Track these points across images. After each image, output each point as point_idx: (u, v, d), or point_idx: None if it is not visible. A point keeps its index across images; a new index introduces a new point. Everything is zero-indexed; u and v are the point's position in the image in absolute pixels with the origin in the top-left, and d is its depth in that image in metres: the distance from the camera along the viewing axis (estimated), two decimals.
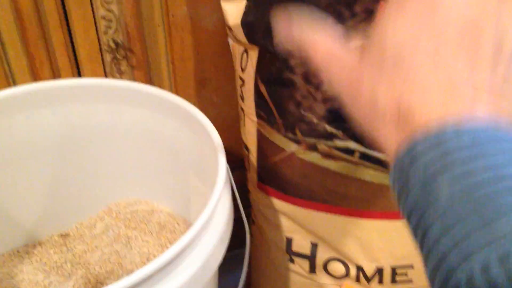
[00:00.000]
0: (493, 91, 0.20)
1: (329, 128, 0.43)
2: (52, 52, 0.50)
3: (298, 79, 0.43)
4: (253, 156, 0.52)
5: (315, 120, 0.44)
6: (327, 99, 0.42)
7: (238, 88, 0.52)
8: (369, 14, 0.38)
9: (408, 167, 0.20)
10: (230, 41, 0.53)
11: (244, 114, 0.52)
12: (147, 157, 0.56)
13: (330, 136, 0.44)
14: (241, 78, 0.51)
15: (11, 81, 0.50)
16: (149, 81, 0.56)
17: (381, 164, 0.44)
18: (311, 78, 0.42)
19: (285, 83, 0.44)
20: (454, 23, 0.21)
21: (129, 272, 0.53)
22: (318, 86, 0.42)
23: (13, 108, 0.49)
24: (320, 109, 0.43)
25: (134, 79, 0.55)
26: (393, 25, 0.22)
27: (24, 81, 0.50)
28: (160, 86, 0.58)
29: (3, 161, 0.51)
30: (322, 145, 0.45)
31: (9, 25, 0.47)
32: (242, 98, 0.51)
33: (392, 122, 0.21)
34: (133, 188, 0.59)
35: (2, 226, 0.54)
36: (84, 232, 0.58)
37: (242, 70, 0.50)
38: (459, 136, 0.19)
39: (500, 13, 0.21)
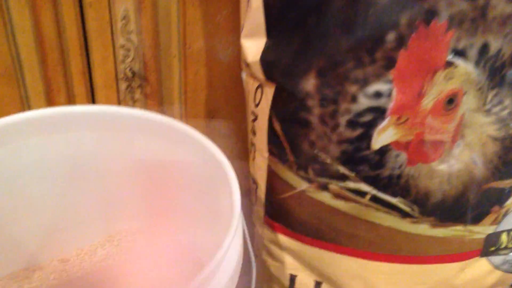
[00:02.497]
0: None
1: (342, 169, 0.44)
2: (69, 78, 0.50)
3: (314, 119, 0.43)
4: (261, 191, 0.53)
5: (328, 161, 0.44)
6: (342, 141, 0.43)
7: (250, 122, 0.53)
8: (389, 61, 0.39)
9: None
10: (244, 76, 0.54)
11: (255, 149, 0.52)
12: (154, 186, 0.55)
13: (342, 177, 0.44)
14: (253, 113, 0.51)
15: (26, 105, 0.50)
16: (161, 110, 0.57)
17: (391, 207, 0.44)
18: (327, 119, 0.43)
19: (300, 122, 0.45)
20: None
21: None
22: (334, 128, 0.43)
23: (26, 132, 0.49)
24: (334, 150, 0.44)
25: (146, 107, 0.55)
26: None
27: (39, 106, 0.50)
28: (171, 115, 0.58)
29: (10, 184, 0.50)
30: (334, 185, 0.45)
31: (30, 49, 0.47)
32: (254, 133, 0.52)
33: None
34: (136, 217, 0.58)
35: (3, 249, 0.53)
36: (85, 258, 0.58)
37: (256, 105, 0.51)
38: None
39: None
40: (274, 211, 0.52)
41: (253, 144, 0.53)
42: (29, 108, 0.50)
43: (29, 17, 0.46)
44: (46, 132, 0.50)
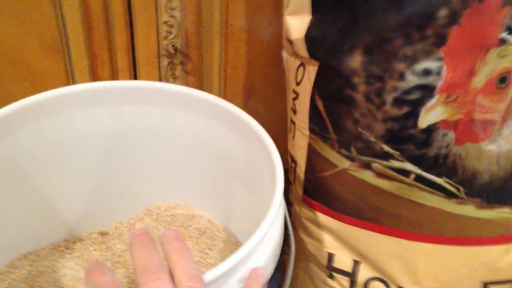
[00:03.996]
0: None
1: (386, 148, 0.44)
2: (113, 53, 0.51)
3: (359, 97, 0.43)
4: (300, 169, 0.53)
5: (372, 139, 0.44)
6: (387, 119, 0.43)
7: (290, 101, 0.53)
8: (440, 38, 0.38)
9: None
10: (285, 54, 0.53)
11: (295, 127, 0.52)
12: (193, 162, 0.56)
13: (386, 156, 0.44)
14: (294, 91, 0.51)
15: (71, 78, 0.50)
16: (200, 87, 0.57)
17: (436, 187, 0.44)
18: (373, 97, 0.42)
19: (344, 100, 0.44)
20: None
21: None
22: (379, 106, 0.42)
23: (72, 105, 0.49)
24: (379, 128, 0.43)
25: (187, 84, 0.55)
26: None
27: (83, 80, 0.51)
28: (210, 92, 0.58)
29: (54, 155, 0.51)
30: (377, 164, 0.45)
31: (76, 23, 0.48)
32: (294, 111, 0.52)
33: None
34: (175, 192, 0.59)
35: (45, 220, 0.55)
36: (123, 231, 0.59)
37: (297, 83, 0.50)
38: None
39: None
40: (313, 190, 0.52)
41: (293, 122, 0.53)
42: (73, 82, 0.51)
43: None
44: (89, 105, 0.51)
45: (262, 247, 0.38)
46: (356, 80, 0.43)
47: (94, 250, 0.56)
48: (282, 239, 0.43)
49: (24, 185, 0.50)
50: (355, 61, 0.42)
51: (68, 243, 0.57)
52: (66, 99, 0.48)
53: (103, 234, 0.58)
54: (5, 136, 0.46)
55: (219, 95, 0.60)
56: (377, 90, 0.42)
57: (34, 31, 0.48)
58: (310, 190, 0.52)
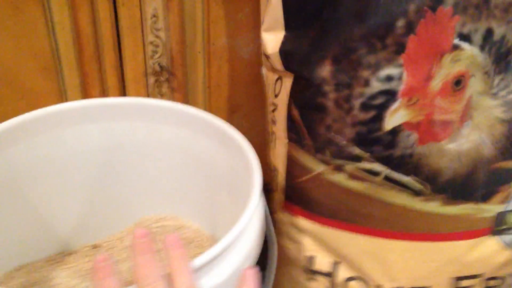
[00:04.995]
0: None
1: (357, 150, 0.47)
2: (103, 72, 0.54)
3: (330, 104, 0.47)
4: (281, 176, 0.56)
5: (344, 143, 0.47)
6: (356, 123, 0.46)
7: (269, 113, 0.56)
8: (399, 47, 0.42)
9: None
10: (264, 70, 0.57)
11: (275, 137, 0.56)
12: (181, 174, 0.59)
13: (357, 158, 0.47)
14: (273, 104, 0.55)
15: (63, 97, 0.54)
16: (186, 103, 0.60)
17: (404, 185, 0.47)
18: (342, 103, 0.46)
19: (317, 107, 0.48)
20: None
21: None
22: (348, 111, 0.46)
23: (63, 122, 0.52)
24: (350, 132, 0.47)
25: (173, 100, 0.59)
26: None
27: (75, 98, 0.54)
28: None
29: (47, 171, 0.54)
30: (349, 166, 0.48)
31: (68, 44, 0.51)
32: (274, 122, 0.55)
33: None
34: (164, 204, 0.62)
35: (39, 234, 0.57)
36: (115, 244, 0.61)
37: (276, 96, 0.54)
38: None
39: None
40: (293, 195, 0.55)
41: (273, 133, 0.56)
42: (66, 100, 0.54)
43: (68, 15, 0.50)
44: (80, 122, 0.53)
45: (240, 244, 0.41)
46: (326, 88, 0.46)
47: (88, 261, 0.58)
48: (262, 241, 0.46)
49: (19, 200, 0.52)
50: (325, 70, 0.46)
51: (62, 256, 0.59)
52: (58, 116, 0.51)
53: (95, 247, 0.61)
54: (1, 152, 0.49)
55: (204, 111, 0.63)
56: (346, 97, 0.45)
57: (29, 52, 0.51)
58: (290, 196, 0.55)
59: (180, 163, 0.58)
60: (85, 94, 0.55)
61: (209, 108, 0.62)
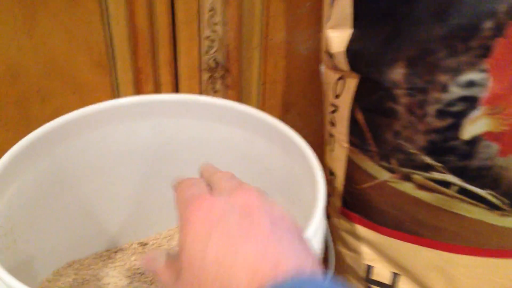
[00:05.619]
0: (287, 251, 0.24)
1: (428, 159, 0.44)
2: (157, 67, 0.52)
3: (400, 109, 0.43)
4: (339, 182, 0.53)
5: (413, 151, 0.44)
6: (429, 131, 0.43)
7: (328, 114, 0.53)
8: (485, 50, 0.38)
9: None
10: (323, 69, 0.54)
11: (334, 140, 0.53)
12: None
13: (427, 168, 0.44)
14: (333, 105, 0.52)
15: (116, 92, 0.52)
16: (240, 101, 0.58)
17: (479, 199, 0.43)
18: (414, 109, 0.43)
19: (385, 112, 0.45)
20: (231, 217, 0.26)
21: None
22: (421, 118, 0.43)
23: (115, 119, 0.51)
24: (421, 140, 0.43)
25: (226, 98, 0.56)
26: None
27: (128, 93, 0.53)
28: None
29: (99, 167, 0.53)
30: (418, 176, 0.45)
31: (122, 40, 0.50)
32: (333, 124, 0.52)
33: None
34: None
35: (88, 230, 0.56)
36: (163, 242, 0.60)
37: (336, 96, 0.51)
38: None
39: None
40: (352, 202, 0.52)
41: (331, 135, 0.53)
42: (118, 95, 0.53)
43: (124, 9, 0.48)
44: (132, 119, 0.52)
45: None
46: (397, 92, 0.43)
47: (135, 259, 0.57)
48: (323, 251, 0.43)
49: (68, 196, 0.52)
50: (397, 73, 0.42)
51: (110, 253, 0.58)
52: (110, 113, 0.50)
53: (143, 244, 0.60)
54: (53, 148, 0.48)
55: (258, 109, 0.61)
56: (419, 102, 0.42)
57: (83, 47, 0.50)
58: (349, 202, 0.52)
59: (231, 162, 0.56)
60: (138, 90, 0.53)
61: (263, 106, 0.60)
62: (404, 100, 0.43)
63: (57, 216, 0.51)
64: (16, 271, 0.44)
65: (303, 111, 0.63)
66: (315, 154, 0.44)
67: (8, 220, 0.44)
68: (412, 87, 0.42)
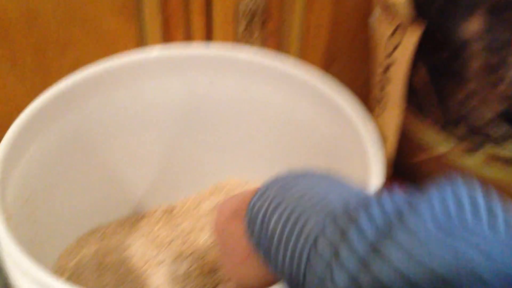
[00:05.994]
0: None
1: (502, 129, 0.37)
2: (189, 13, 0.46)
3: (474, 69, 0.37)
4: (390, 148, 0.47)
5: (486, 119, 0.38)
6: (505, 98, 0.36)
7: (378, 74, 0.47)
8: None
9: None
10: (374, 19, 0.47)
11: (385, 101, 0.46)
12: (270, 137, 0.51)
13: (501, 139, 0.38)
14: (386, 61, 0.45)
15: (143, 40, 0.47)
16: (279, 51, 0.52)
17: None
18: (491, 69, 0.36)
19: (453, 73, 0.38)
20: None
21: None
22: (499, 80, 0.36)
23: (144, 73, 0.46)
24: (496, 106, 0.37)
25: (265, 47, 0.50)
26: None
27: (155, 42, 0.47)
28: (289, 57, 0.53)
29: (123, 128, 0.48)
30: (488, 148, 0.39)
31: None
32: (384, 85, 0.46)
33: None
34: (247, 168, 0.55)
35: (112, 195, 0.52)
36: (190, 208, 0.55)
37: (390, 53, 0.44)
38: None
39: None
40: (403, 173, 0.46)
41: (381, 99, 0.47)
42: (145, 44, 0.47)
43: None
44: (162, 73, 0.47)
45: None
46: (472, 48, 0.36)
47: (162, 227, 0.53)
48: None
49: (92, 158, 0.48)
50: (473, 27, 0.36)
51: (134, 220, 0.54)
52: (137, 67, 0.45)
53: (169, 210, 0.55)
54: (74, 107, 0.43)
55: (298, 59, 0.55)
56: (498, 62, 0.35)
57: None
58: (399, 172, 0.47)
59: (270, 124, 0.51)
60: (167, 39, 0.48)
61: (304, 56, 0.54)
62: (479, 59, 0.36)
63: (79, 181, 0.47)
64: (36, 242, 0.41)
65: (348, 65, 0.57)
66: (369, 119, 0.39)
67: (27, 187, 0.40)
68: (489, 44, 0.35)
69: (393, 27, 0.44)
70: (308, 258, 0.22)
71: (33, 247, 0.39)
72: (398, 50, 0.43)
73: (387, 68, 0.45)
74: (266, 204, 0.26)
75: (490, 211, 0.19)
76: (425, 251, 0.18)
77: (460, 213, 0.19)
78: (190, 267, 0.47)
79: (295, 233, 0.23)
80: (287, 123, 0.49)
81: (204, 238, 0.51)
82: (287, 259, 0.23)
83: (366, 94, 0.52)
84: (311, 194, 0.24)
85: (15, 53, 0.47)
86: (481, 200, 0.20)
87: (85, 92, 0.43)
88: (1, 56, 0.47)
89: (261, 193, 0.27)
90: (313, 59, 0.55)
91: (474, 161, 0.40)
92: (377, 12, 0.46)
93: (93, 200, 0.49)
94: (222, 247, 0.33)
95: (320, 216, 0.23)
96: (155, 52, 0.45)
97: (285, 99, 0.47)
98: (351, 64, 0.56)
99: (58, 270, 0.46)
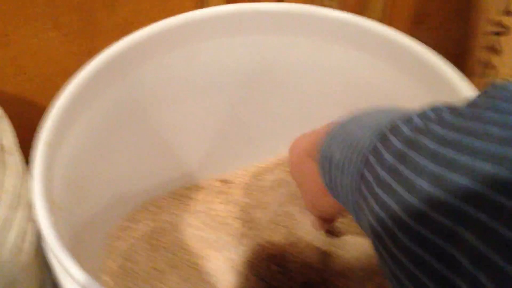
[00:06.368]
0: None
1: None
2: None
3: None
4: None
5: None
6: None
7: (486, 35, 0.39)
8: None
9: None
10: None
11: (493, 72, 0.38)
12: (342, 108, 0.44)
13: None
14: (500, 24, 0.37)
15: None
16: (360, 9, 0.44)
17: None
18: None
19: None
20: None
21: (309, 245, 0.44)
22: None
23: (201, 34, 0.40)
24: None
25: (344, 6, 0.43)
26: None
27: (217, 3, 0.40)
28: (372, 16, 0.45)
29: (178, 94, 0.43)
30: None
31: None
32: (496, 51, 0.38)
33: None
34: None
35: (165, 165, 0.48)
36: (249, 182, 0.50)
37: (508, 12, 0.36)
38: None
39: None
40: None
41: (490, 66, 0.39)
42: (204, 3, 0.40)
43: None
44: (223, 34, 0.41)
45: None
46: None
47: (218, 203, 0.48)
48: None
49: (144, 128, 0.43)
50: None
51: (189, 192, 0.49)
52: (195, 26, 0.39)
53: (225, 182, 0.50)
54: (125, 73, 0.38)
55: (382, 19, 0.46)
56: None
57: None
58: None
59: (347, 95, 0.44)
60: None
61: (389, 15, 0.45)
62: None
63: (130, 150, 0.43)
64: (87, 222, 0.37)
65: (439, 25, 0.48)
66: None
67: (75, 166, 0.35)
68: None
69: None
70: (364, 164, 0.23)
71: (80, 231, 0.35)
72: None
73: (503, 31, 0.37)
74: (333, 145, 0.27)
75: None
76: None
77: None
78: (247, 249, 0.42)
79: (351, 156, 0.25)
80: (369, 93, 0.42)
81: (268, 216, 0.46)
82: (348, 181, 0.25)
83: (460, 59, 0.43)
84: (369, 124, 0.25)
85: (58, 11, 0.41)
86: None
87: (138, 57, 0.37)
88: (43, 13, 0.41)
89: (329, 137, 0.28)
90: (398, 19, 0.47)
91: None
92: None
93: (145, 172, 0.45)
94: (300, 186, 0.35)
95: (372, 135, 0.24)
96: (215, 9, 0.38)
97: (368, 64, 0.40)
98: (443, 25, 0.48)
99: (109, 254, 0.42)
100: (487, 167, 0.16)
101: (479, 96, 0.19)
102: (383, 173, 0.21)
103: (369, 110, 0.29)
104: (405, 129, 0.21)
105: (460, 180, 0.17)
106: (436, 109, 0.21)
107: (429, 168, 0.18)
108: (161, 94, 0.42)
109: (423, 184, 0.18)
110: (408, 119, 0.22)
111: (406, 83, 0.39)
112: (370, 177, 0.22)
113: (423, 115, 0.21)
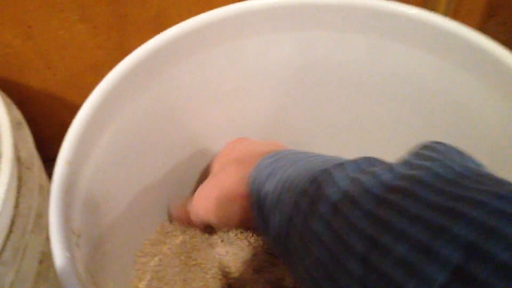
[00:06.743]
0: None
1: None
2: None
3: None
4: None
5: None
6: None
7: None
8: None
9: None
10: None
11: None
12: (408, 120, 0.40)
13: None
14: None
15: None
16: (424, 4, 0.38)
17: None
18: None
19: None
20: None
21: None
22: None
23: (248, 29, 0.35)
24: None
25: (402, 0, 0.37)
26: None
27: None
28: (437, 10, 0.40)
29: (220, 94, 0.38)
30: None
31: None
32: None
33: None
34: (365, 150, 0.43)
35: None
36: None
37: None
38: None
39: None
40: None
41: None
42: None
43: None
44: (269, 30, 0.36)
45: None
46: None
47: None
48: None
49: (178, 135, 0.39)
50: None
51: None
52: (240, 20, 0.34)
53: None
54: (160, 72, 0.34)
55: (446, 12, 0.41)
56: None
57: None
58: None
59: (410, 103, 0.39)
60: None
61: (457, 9, 0.40)
62: None
63: (162, 155, 0.38)
64: (111, 242, 0.33)
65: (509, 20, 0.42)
66: None
67: (100, 180, 0.31)
68: None
69: None
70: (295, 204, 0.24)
71: (104, 257, 0.31)
72: None
73: None
74: (273, 169, 0.28)
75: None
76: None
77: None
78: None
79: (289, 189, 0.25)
80: (437, 100, 0.36)
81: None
82: (282, 212, 0.25)
83: None
84: (307, 161, 0.27)
85: (85, 1, 0.37)
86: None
87: (171, 54, 0.33)
88: (69, 3, 0.37)
89: (271, 160, 0.29)
90: (468, 13, 0.41)
91: None
92: None
93: (176, 178, 0.40)
94: (215, 180, 0.34)
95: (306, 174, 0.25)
96: (261, 2, 0.33)
97: (436, 67, 0.34)
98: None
99: (137, 273, 0.38)
100: None
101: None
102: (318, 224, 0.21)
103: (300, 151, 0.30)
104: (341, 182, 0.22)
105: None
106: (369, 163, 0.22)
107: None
108: (201, 95, 0.37)
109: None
110: (340, 166, 0.23)
111: (478, 87, 0.34)
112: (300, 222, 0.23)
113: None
